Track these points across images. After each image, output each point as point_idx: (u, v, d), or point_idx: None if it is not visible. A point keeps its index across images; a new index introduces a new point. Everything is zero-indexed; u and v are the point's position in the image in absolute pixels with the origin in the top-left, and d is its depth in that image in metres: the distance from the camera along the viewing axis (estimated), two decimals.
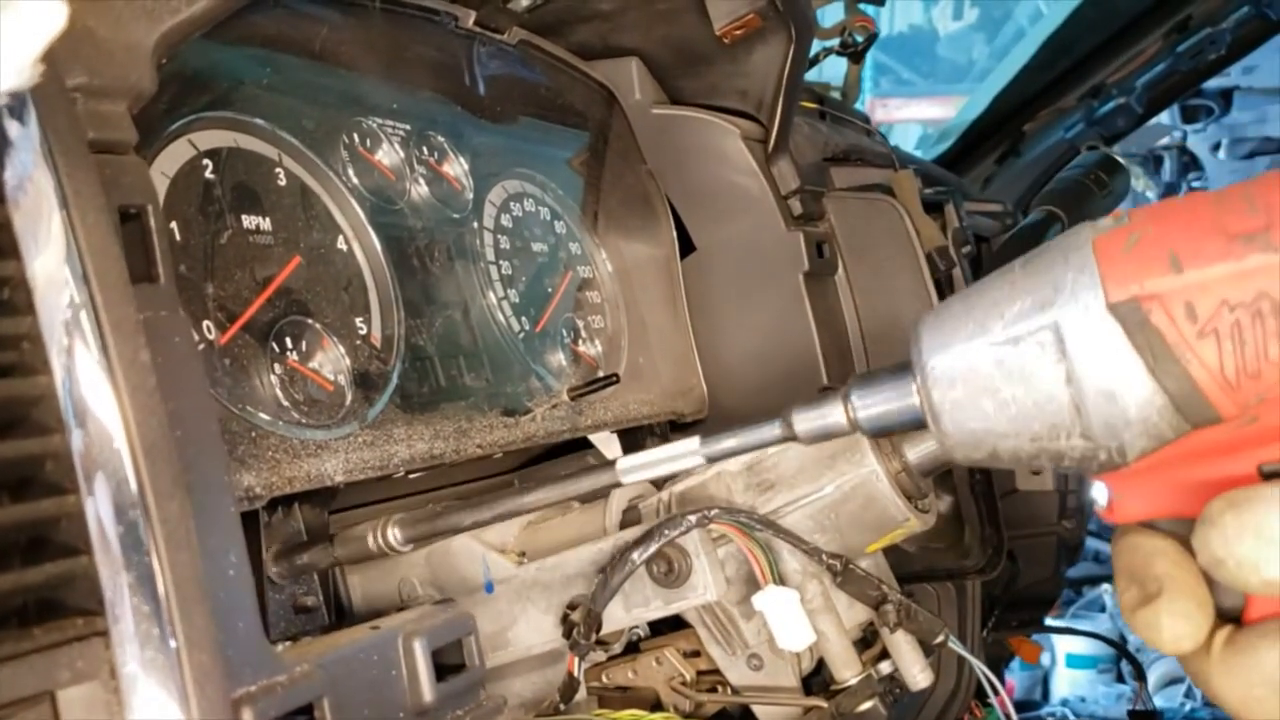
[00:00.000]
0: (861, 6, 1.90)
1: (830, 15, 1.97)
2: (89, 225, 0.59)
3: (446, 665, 0.83)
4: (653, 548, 0.94)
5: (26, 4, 0.48)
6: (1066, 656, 5.13)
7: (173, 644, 0.55)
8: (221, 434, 0.71)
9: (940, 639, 0.98)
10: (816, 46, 1.94)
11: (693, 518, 0.94)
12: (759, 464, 1.01)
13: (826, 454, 0.99)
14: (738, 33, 1.24)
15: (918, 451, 0.98)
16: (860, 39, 1.90)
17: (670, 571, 0.96)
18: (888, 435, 0.98)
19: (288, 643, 0.86)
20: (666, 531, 0.94)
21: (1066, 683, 5.15)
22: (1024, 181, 3.02)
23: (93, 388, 0.57)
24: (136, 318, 0.59)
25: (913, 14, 7.50)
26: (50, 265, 0.58)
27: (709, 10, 1.23)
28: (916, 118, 7.02)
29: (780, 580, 0.97)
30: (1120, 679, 4.98)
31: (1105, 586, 5.54)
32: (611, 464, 0.89)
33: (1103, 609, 5.45)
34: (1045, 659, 5.16)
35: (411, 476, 1.09)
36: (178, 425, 0.64)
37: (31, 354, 0.57)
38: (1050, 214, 1.37)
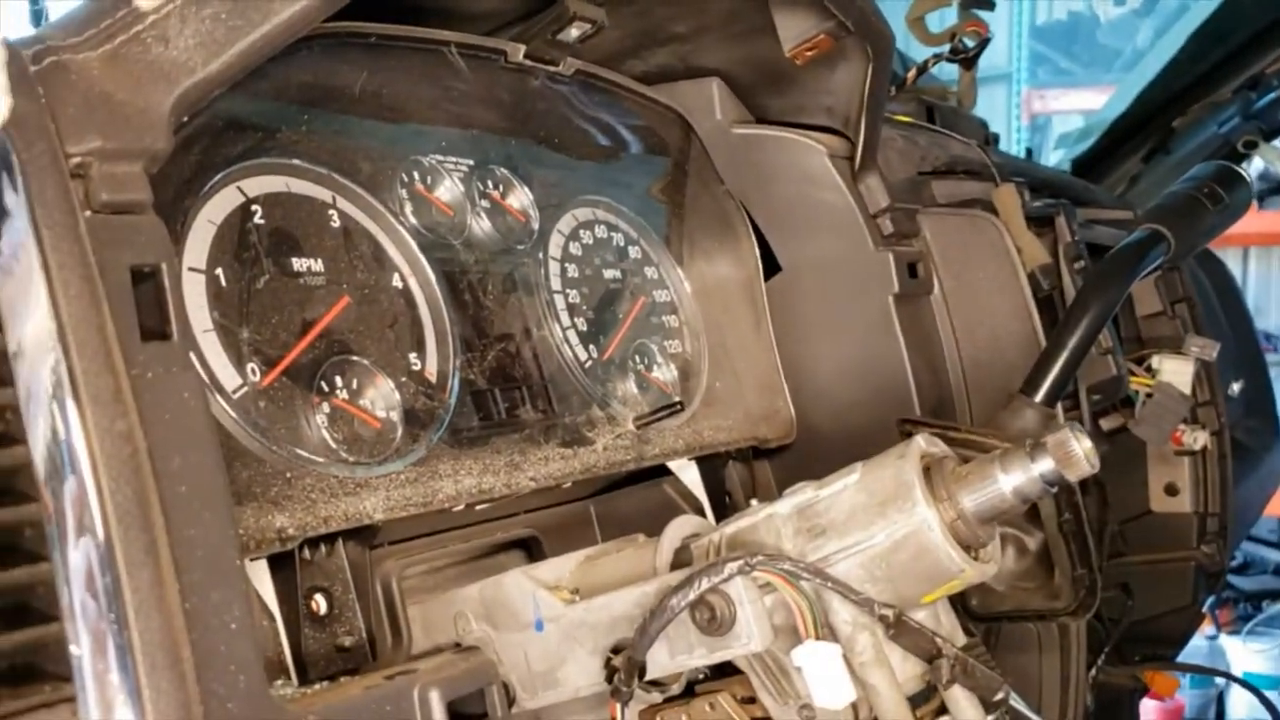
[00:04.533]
0: (974, 11, 1.82)
1: (944, 19, 1.89)
2: (71, 296, 0.60)
3: (468, 715, 0.83)
4: (691, 595, 0.91)
5: None
6: (1244, 674, 4.83)
7: (138, 712, 0.56)
8: (229, 485, 0.72)
9: (1000, 696, 0.93)
10: (926, 52, 1.88)
11: (734, 565, 0.91)
12: (810, 508, 0.98)
13: (878, 500, 0.94)
14: (809, 54, 1.20)
15: (976, 498, 0.93)
16: (971, 44, 1.82)
17: (713, 619, 0.93)
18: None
19: (321, 684, 0.87)
20: (706, 579, 0.91)
21: (1244, 703, 4.86)
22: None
23: (69, 456, 0.58)
24: (115, 386, 0.60)
25: (1072, 0, 7.17)
26: (35, 335, 0.60)
27: (778, 33, 1.20)
28: (1076, 108, 6.71)
29: (830, 631, 0.93)
30: None
31: None
32: None
33: None
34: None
35: (479, 507, 1.09)
36: (182, 481, 0.65)
37: (14, 424, 0.59)
38: (1155, 233, 1.28)
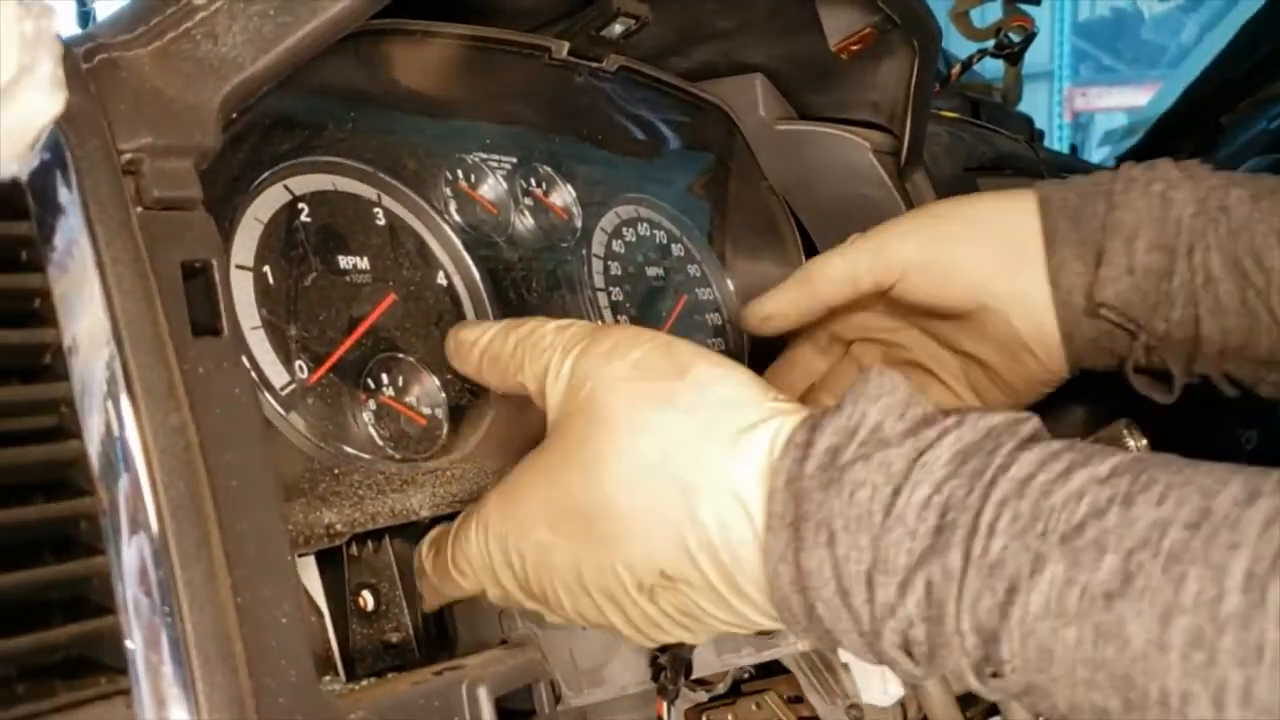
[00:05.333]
0: (1019, 5, 1.80)
1: (987, 15, 1.88)
2: (124, 291, 0.60)
3: (516, 711, 0.83)
4: None
5: (25, 92, 0.49)
6: None
7: (191, 704, 0.56)
8: (279, 482, 0.72)
9: None
10: (970, 49, 1.86)
11: None
12: None
13: None
14: (855, 48, 1.19)
15: None
16: (1017, 39, 1.80)
17: None
18: None
19: (368, 680, 0.87)
20: None
21: None
22: None
23: (124, 450, 0.59)
24: (168, 380, 0.61)
25: None
26: (89, 330, 0.60)
27: (824, 27, 1.19)
28: (1119, 105, 6.65)
29: None
30: None
31: None
32: None
33: None
34: None
35: None
36: (233, 476, 0.65)
37: (69, 418, 0.59)
38: None
